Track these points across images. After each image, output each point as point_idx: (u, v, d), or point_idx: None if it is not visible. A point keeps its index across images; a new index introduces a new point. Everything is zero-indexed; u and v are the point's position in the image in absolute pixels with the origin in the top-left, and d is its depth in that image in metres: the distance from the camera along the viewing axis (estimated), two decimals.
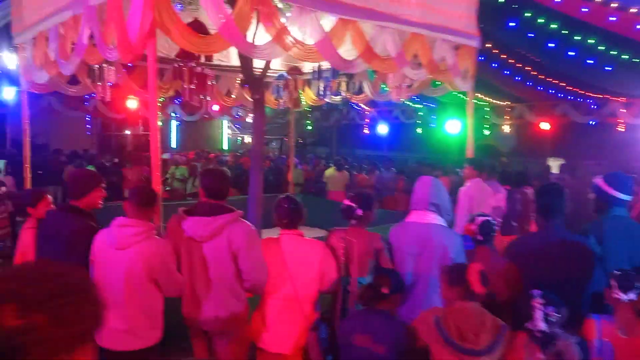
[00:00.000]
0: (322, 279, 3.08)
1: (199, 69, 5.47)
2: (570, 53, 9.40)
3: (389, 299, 2.73)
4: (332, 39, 4.32)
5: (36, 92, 5.97)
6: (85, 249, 2.96)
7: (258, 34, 4.42)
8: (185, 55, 5.19)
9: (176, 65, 5.47)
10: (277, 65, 6.99)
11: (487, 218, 3.35)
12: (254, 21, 4.04)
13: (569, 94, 12.35)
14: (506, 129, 15.08)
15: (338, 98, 6.85)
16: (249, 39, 4.18)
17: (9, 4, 5.98)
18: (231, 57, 6.81)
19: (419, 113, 16.20)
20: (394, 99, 6.53)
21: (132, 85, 6.48)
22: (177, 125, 20.53)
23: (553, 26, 8.74)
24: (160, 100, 7.60)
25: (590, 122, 12.88)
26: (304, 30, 4.22)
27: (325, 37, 4.24)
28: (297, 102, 7.45)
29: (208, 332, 3.13)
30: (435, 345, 2.36)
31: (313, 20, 4.16)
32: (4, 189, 7.47)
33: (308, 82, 7.26)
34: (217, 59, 6.70)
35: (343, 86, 6.64)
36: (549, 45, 9.36)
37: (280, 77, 7.00)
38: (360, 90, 7.13)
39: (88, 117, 16.64)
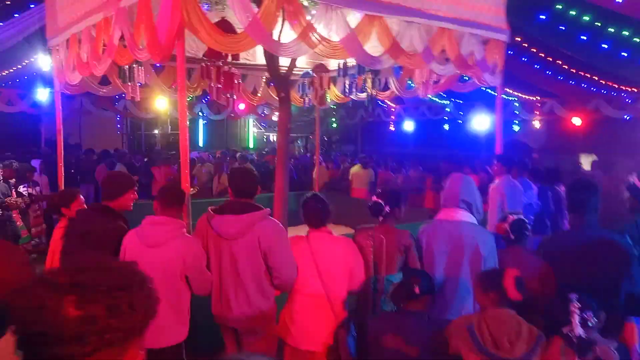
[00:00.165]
0: (351, 277, 3.08)
1: (226, 68, 5.52)
2: (603, 46, 9.13)
3: (420, 299, 2.68)
4: (357, 36, 4.30)
5: (69, 93, 6.14)
6: (116, 249, 3.02)
7: (284, 32, 4.44)
8: (212, 55, 5.25)
9: (204, 64, 5.54)
10: (303, 63, 7.01)
11: (519, 217, 3.27)
12: (279, 19, 4.06)
13: (602, 88, 11.99)
14: (536, 124, 14.74)
15: (364, 95, 6.81)
16: (275, 37, 4.20)
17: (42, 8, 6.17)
18: (257, 55, 6.86)
19: (446, 109, 15.98)
20: (420, 95, 6.46)
21: (161, 85, 6.60)
22: (204, 124, 20.81)
23: (585, 18, 8.50)
24: (188, 99, 7.71)
25: (625, 117, 12.47)
26: (329, 27, 4.21)
27: (351, 34, 4.23)
28: (322, 99, 7.43)
29: (237, 330, 3.16)
30: (469, 353, 2.29)
31: (339, 17, 4.15)
32: (37, 188, 7.71)
33: (333, 80, 7.25)
34: (244, 57, 6.76)
35: (369, 83, 6.60)
36: (581, 38, 9.11)
37: (306, 74, 7.01)
38: (386, 87, 7.09)
39: (118, 117, 17.02)
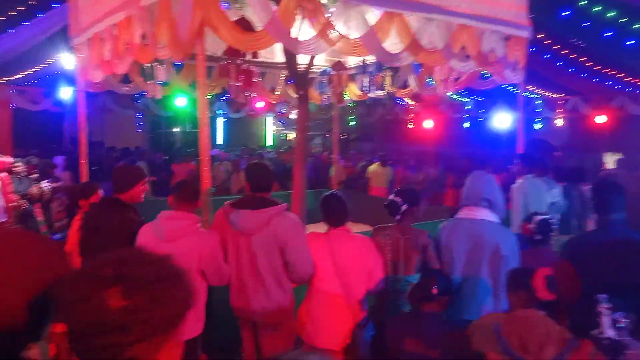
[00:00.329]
0: (370, 276, 3.06)
1: (245, 66, 5.55)
2: (628, 42, 8.91)
3: (437, 300, 2.65)
4: (377, 33, 4.28)
5: (92, 91, 6.24)
6: (129, 241, 3.04)
7: (302, 30, 4.44)
8: (232, 53, 5.28)
9: (223, 62, 5.58)
10: (321, 60, 7.00)
11: (545, 217, 3.20)
12: (298, 17, 4.07)
13: (627, 86, 11.71)
14: (559, 122, 14.48)
15: (383, 92, 6.77)
16: (294, 35, 4.20)
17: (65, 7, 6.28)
18: (276, 53, 6.88)
19: (467, 107, 15.79)
20: (440, 92, 6.40)
21: (181, 83, 6.67)
22: (223, 122, 20.97)
23: (610, 14, 8.31)
24: (207, 97, 7.78)
25: None
26: (348, 25, 4.20)
27: (370, 31, 4.21)
28: (341, 97, 7.42)
29: (256, 324, 3.18)
30: (493, 355, 2.18)
31: (357, 14, 4.14)
32: (59, 183, 7.88)
33: (352, 77, 7.23)
34: (262, 56, 6.79)
35: (388, 80, 6.56)
36: (606, 34, 8.90)
37: (324, 72, 7.01)
38: (405, 85, 7.03)
39: (139, 115, 17.26)
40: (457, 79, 6.19)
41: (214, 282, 3.05)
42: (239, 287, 3.11)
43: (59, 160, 9.85)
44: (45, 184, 7.34)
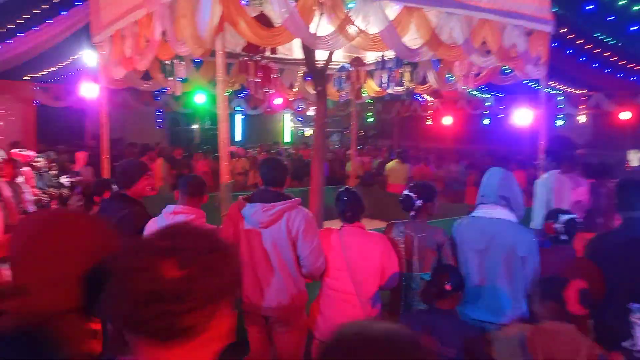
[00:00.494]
0: (383, 274, 3.01)
1: (263, 62, 5.58)
2: None
3: (451, 296, 2.59)
4: (396, 28, 4.25)
5: (113, 87, 6.33)
6: (136, 235, 3.06)
7: (321, 25, 4.43)
8: (251, 49, 5.31)
9: (242, 59, 5.61)
10: (340, 57, 6.99)
11: (571, 216, 3.08)
12: (317, 12, 4.06)
13: None
14: (581, 119, 14.20)
15: (401, 88, 6.73)
16: (313, 30, 4.20)
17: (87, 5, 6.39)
18: (294, 50, 6.89)
19: (486, 103, 15.59)
20: (460, 88, 6.33)
21: (201, 80, 6.73)
22: (242, 119, 21.10)
23: (636, 8, 8.11)
24: (226, 94, 7.84)
25: None
26: (367, 20, 4.18)
27: (389, 26, 4.18)
28: (359, 93, 7.40)
29: (268, 320, 3.18)
30: None
31: (377, 9, 4.11)
32: (79, 178, 8.01)
33: (370, 74, 7.20)
34: (281, 52, 6.80)
35: (407, 76, 6.52)
36: (631, 29, 8.69)
37: (342, 68, 6.99)
38: (424, 80, 6.98)
39: (158, 112, 17.46)
40: (477, 75, 6.12)
41: None
42: (252, 282, 3.10)
43: (81, 155, 10.02)
44: (64, 179, 7.48)
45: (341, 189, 3.26)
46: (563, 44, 9.48)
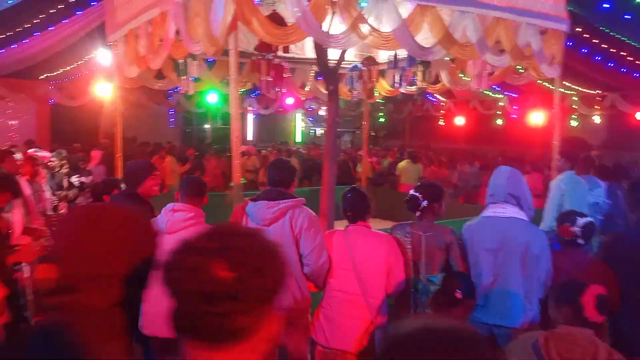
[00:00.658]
0: (390, 275, 2.93)
1: (276, 61, 5.59)
2: None
3: (462, 304, 2.51)
4: (409, 26, 4.23)
5: (127, 86, 6.39)
6: None
7: (334, 24, 4.43)
8: (263, 48, 5.32)
9: (254, 58, 5.63)
10: (352, 56, 6.97)
11: (589, 219, 2.98)
12: (330, 11, 4.06)
13: None
14: (596, 119, 14.02)
15: (413, 88, 6.70)
16: (325, 28, 4.19)
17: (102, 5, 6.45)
18: (306, 49, 6.89)
19: (499, 103, 15.45)
20: (473, 88, 6.28)
21: (213, 79, 6.77)
22: (253, 119, 21.18)
23: None
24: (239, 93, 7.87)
25: None
26: (379, 19, 4.17)
27: (402, 24, 4.16)
28: (370, 92, 7.38)
29: None
30: None
31: (390, 7, 4.10)
32: (90, 178, 8.09)
33: (382, 73, 7.17)
34: (292, 51, 6.81)
35: (419, 76, 6.49)
36: None
37: (354, 68, 6.98)
38: (437, 80, 6.93)
39: (171, 112, 17.59)
40: (490, 74, 6.06)
41: None
42: None
43: (96, 154, 10.12)
44: (74, 179, 7.55)
45: (348, 188, 3.23)
46: (578, 43, 9.36)
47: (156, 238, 1.21)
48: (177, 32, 4.30)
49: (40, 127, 13.68)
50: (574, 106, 13.46)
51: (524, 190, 2.99)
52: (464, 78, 6.71)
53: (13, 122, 13.96)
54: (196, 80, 6.15)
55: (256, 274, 0.91)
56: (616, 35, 9.52)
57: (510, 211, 2.92)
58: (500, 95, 14.72)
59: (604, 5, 8.40)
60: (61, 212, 6.23)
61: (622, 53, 10.15)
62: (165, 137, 16.16)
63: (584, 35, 9.34)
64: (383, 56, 6.94)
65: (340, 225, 3.54)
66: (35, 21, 8.08)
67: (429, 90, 7.74)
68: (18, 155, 5.53)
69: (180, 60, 5.41)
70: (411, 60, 5.97)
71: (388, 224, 5.10)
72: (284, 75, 6.28)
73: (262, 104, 13.94)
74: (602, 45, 9.96)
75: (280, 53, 5.83)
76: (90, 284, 1.08)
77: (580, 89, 13.10)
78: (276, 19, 4.43)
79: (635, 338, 1.97)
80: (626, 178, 5.29)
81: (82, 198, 7.62)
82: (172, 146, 13.21)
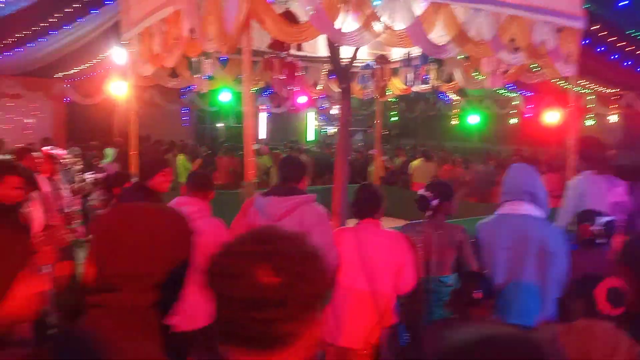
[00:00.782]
0: (400, 274, 2.89)
1: (288, 59, 5.60)
2: None
3: (482, 304, 2.46)
4: (422, 24, 4.21)
5: (141, 85, 6.44)
6: None
7: (347, 22, 4.42)
8: (276, 46, 5.34)
9: (267, 56, 5.65)
10: (364, 54, 6.96)
11: (610, 218, 2.96)
12: (343, 9, 4.05)
13: None
14: (612, 119, 13.81)
15: (427, 86, 6.66)
16: (338, 26, 4.19)
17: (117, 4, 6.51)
18: (319, 47, 6.89)
19: (513, 102, 15.28)
20: (488, 86, 6.22)
21: (226, 77, 6.80)
22: (266, 117, 21.25)
23: None
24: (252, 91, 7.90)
25: None
26: (393, 17, 4.16)
27: (415, 22, 4.15)
28: (383, 91, 7.36)
29: None
30: None
31: (403, 5, 4.08)
32: (104, 174, 8.20)
33: (395, 72, 7.15)
34: (305, 50, 6.82)
35: (432, 74, 6.45)
36: None
37: (367, 66, 6.96)
38: (450, 78, 6.89)
39: (184, 110, 17.71)
40: (505, 72, 6.00)
41: None
42: None
43: (110, 152, 10.25)
44: (88, 175, 7.66)
45: (359, 185, 3.20)
46: (594, 41, 9.22)
47: (192, 238, 1.21)
48: (191, 31, 4.33)
49: (56, 125, 13.87)
50: (589, 105, 13.28)
51: (539, 188, 2.95)
52: (477, 76, 6.65)
53: (29, 121, 14.17)
54: (210, 78, 6.19)
55: (301, 280, 0.90)
56: (634, 34, 9.37)
57: (526, 208, 2.88)
58: (514, 94, 14.57)
59: (621, 3, 8.27)
60: (74, 208, 6.31)
61: (639, 52, 9.98)
62: (178, 135, 16.29)
63: (601, 34, 9.20)
64: (396, 54, 6.92)
65: (351, 223, 3.53)
66: (51, 20, 8.19)
67: (442, 89, 7.69)
68: (37, 154, 5.60)
69: (194, 59, 5.44)
70: (424, 58, 5.94)
71: (400, 223, 5.09)
72: (297, 74, 6.30)
73: (274, 103, 13.98)
74: (619, 44, 9.81)
75: (293, 51, 5.86)
76: (131, 283, 1.09)
77: (596, 87, 12.92)
78: (289, 17, 4.44)
79: None
80: None
81: (96, 194, 7.72)
82: (184, 144, 13.32)
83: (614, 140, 13.10)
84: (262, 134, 21.38)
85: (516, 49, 4.99)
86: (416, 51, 6.06)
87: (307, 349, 0.94)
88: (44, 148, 7.51)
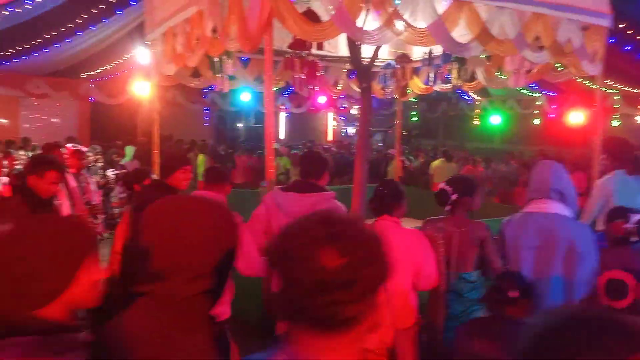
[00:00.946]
0: (419, 273, 2.80)
1: (309, 59, 5.61)
2: None
3: (517, 304, 2.35)
4: (445, 22, 4.18)
5: (164, 84, 6.53)
6: None
7: (368, 20, 4.42)
8: (297, 46, 5.35)
9: (287, 56, 5.67)
10: (385, 53, 6.93)
11: None
12: (364, 8, 4.05)
13: None
14: (639, 119, 13.49)
15: (448, 86, 6.60)
16: (359, 25, 4.19)
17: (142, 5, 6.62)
18: (339, 47, 6.88)
19: (537, 102, 15.02)
20: (511, 85, 6.13)
21: (247, 77, 6.85)
22: (285, 117, 21.36)
23: None
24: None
25: None
26: (415, 15, 4.13)
27: (438, 20, 4.12)
28: (404, 91, 7.31)
29: None
30: None
31: (426, 3, 4.06)
32: (124, 171, 8.36)
33: (416, 71, 7.10)
34: (326, 49, 6.81)
35: (454, 73, 6.38)
36: None
37: (388, 65, 6.93)
38: (472, 78, 6.80)
39: (206, 110, 17.91)
40: (528, 71, 5.91)
41: (242, 269, 2.66)
42: None
43: (130, 150, 10.43)
44: (110, 172, 7.83)
45: (381, 182, 3.14)
46: (621, 40, 9.02)
47: (238, 229, 1.23)
48: (214, 30, 4.38)
49: (81, 124, 14.17)
50: (615, 105, 12.98)
51: (567, 186, 2.86)
52: (500, 76, 6.56)
53: (55, 120, 14.50)
54: (231, 78, 6.24)
55: (366, 263, 0.91)
56: None
57: (554, 207, 2.79)
58: (537, 94, 14.33)
59: None
60: (94, 203, 6.38)
61: None
62: (200, 135, 16.47)
63: (628, 32, 8.99)
64: (417, 54, 6.87)
65: (369, 223, 3.50)
66: (77, 21, 8.36)
67: (464, 89, 7.60)
68: (63, 150, 5.77)
69: (216, 59, 5.50)
70: (446, 57, 5.88)
71: (419, 224, 5.06)
72: (317, 73, 6.30)
73: (294, 103, 14.04)
74: None
75: (314, 51, 5.86)
76: (180, 273, 1.11)
77: (622, 87, 12.62)
78: (311, 16, 4.45)
79: None
80: None
81: (117, 190, 7.88)
82: (204, 144, 13.47)
83: None
84: (281, 134, 21.48)
85: (540, 48, 4.91)
86: (437, 50, 6.01)
87: (369, 331, 0.96)
88: (67, 145, 7.70)
